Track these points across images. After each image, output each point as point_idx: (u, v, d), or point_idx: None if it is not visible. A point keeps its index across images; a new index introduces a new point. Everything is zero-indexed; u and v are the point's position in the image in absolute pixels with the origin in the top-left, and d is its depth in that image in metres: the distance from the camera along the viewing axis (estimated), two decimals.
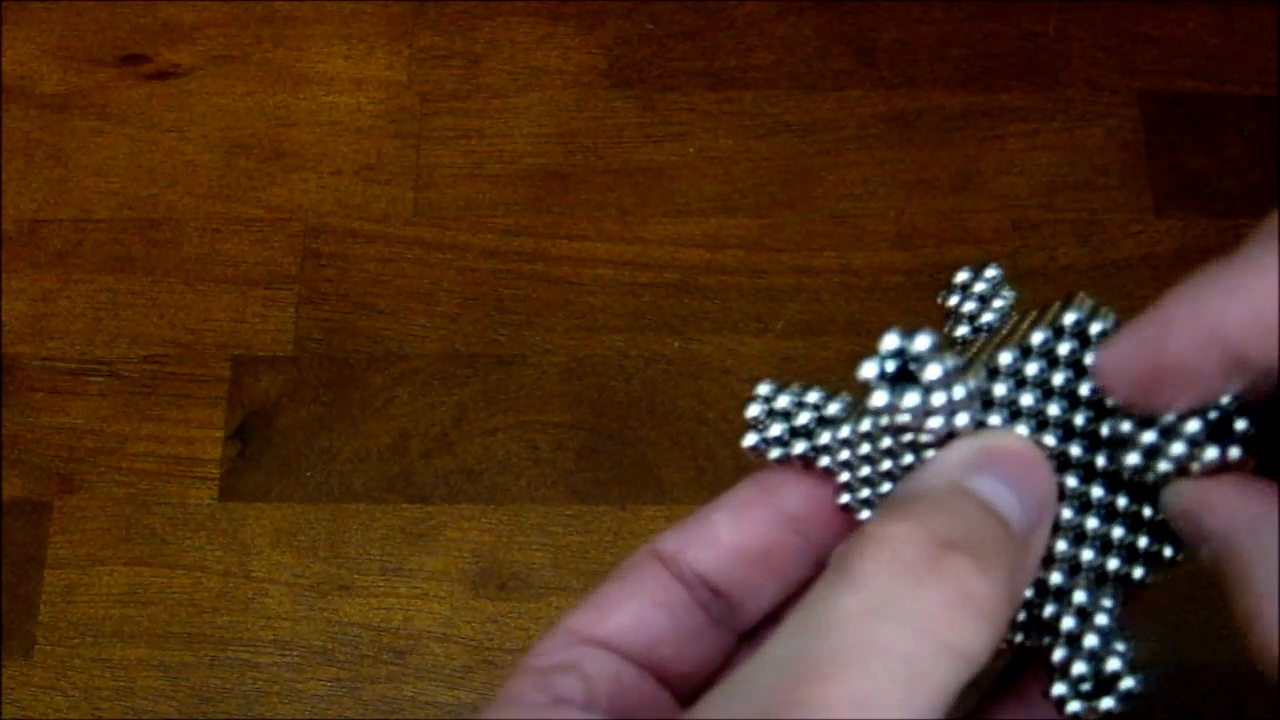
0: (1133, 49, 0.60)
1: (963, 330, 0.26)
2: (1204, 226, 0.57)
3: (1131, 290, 0.56)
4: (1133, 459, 0.22)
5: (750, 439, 0.25)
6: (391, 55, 0.61)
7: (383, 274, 0.57)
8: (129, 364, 0.56)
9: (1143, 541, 0.23)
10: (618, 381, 0.55)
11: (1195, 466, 0.21)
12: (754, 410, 0.25)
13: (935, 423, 0.21)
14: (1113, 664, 0.21)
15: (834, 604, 0.18)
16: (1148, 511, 0.23)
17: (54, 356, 0.56)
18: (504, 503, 0.53)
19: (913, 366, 0.21)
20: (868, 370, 0.21)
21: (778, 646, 0.19)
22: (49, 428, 0.55)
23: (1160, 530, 0.23)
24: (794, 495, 0.25)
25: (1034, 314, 0.25)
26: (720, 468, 0.54)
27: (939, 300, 0.26)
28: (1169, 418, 0.21)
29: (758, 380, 0.26)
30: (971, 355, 0.24)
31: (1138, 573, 0.23)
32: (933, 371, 0.20)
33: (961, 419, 0.21)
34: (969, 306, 0.26)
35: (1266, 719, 0.49)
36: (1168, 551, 0.23)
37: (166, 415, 0.55)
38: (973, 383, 0.21)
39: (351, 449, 0.54)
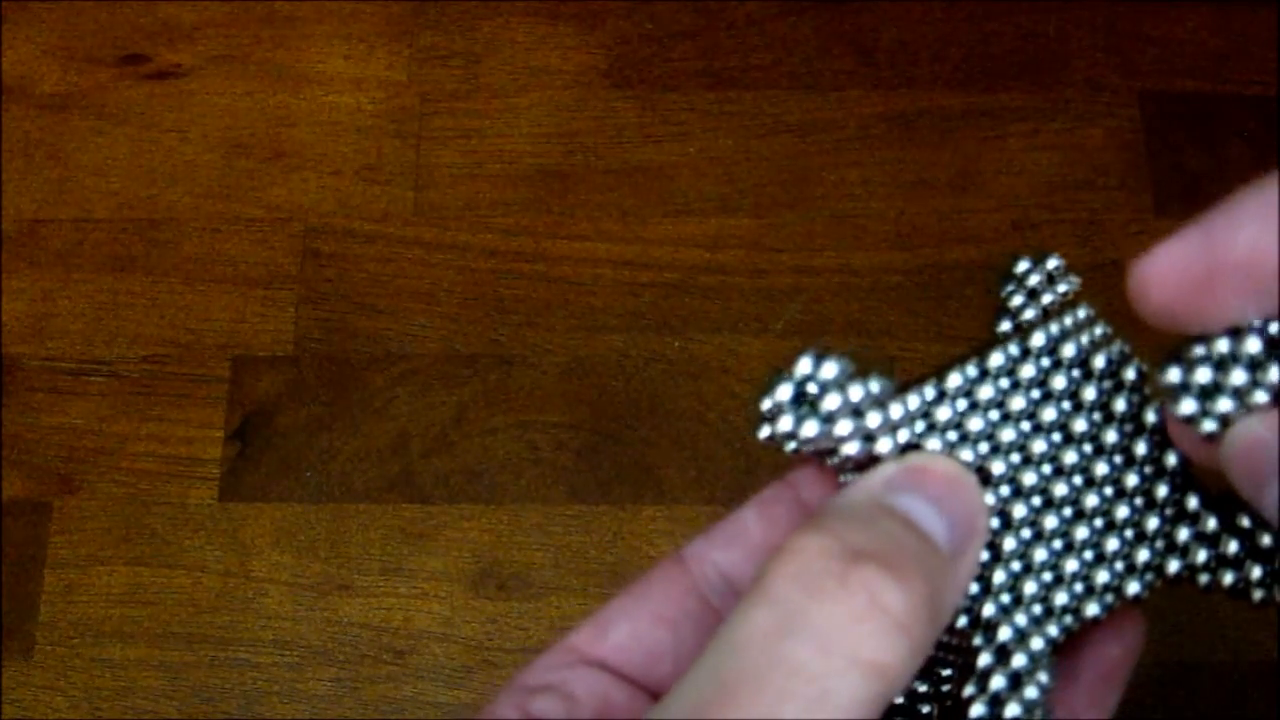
0: (1133, 49, 0.60)
1: (1004, 325, 0.25)
2: None
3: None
4: (1188, 407, 0.20)
5: (766, 431, 0.25)
6: (391, 55, 0.61)
7: (383, 274, 0.57)
8: (129, 364, 0.56)
9: (1102, 576, 0.22)
10: (618, 381, 0.55)
11: (1259, 396, 0.19)
12: (768, 403, 0.25)
13: (850, 448, 0.21)
14: (1012, 710, 0.20)
15: (745, 621, 0.18)
16: (1112, 544, 0.22)
17: (54, 356, 0.56)
18: (504, 503, 0.53)
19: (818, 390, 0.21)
20: (781, 393, 0.21)
21: (697, 668, 0.18)
22: (49, 428, 0.55)
23: (1127, 564, 0.22)
24: (818, 490, 0.24)
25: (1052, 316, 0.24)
26: (720, 468, 0.54)
27: (1000, 294, 0.25)
28: (1218, 348, 0.20)
29: (762, 378, 0.25)
30: (933, 371, 0.24)
31: (1092, 609, 0.22)
32: (831, 402, 0.20)
33: (884, 444, 0.21)
34: (1016, 300, 0.25)
35: (1266, 718, 0.49)
36: (1132, 588, 0.22)
37: (166, 415, 0.55)
38: (899, 408, 0.21)
39: (351, 449, 0.54)
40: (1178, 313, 0.19)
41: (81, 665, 0.52)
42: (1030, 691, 0.21)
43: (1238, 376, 0.20)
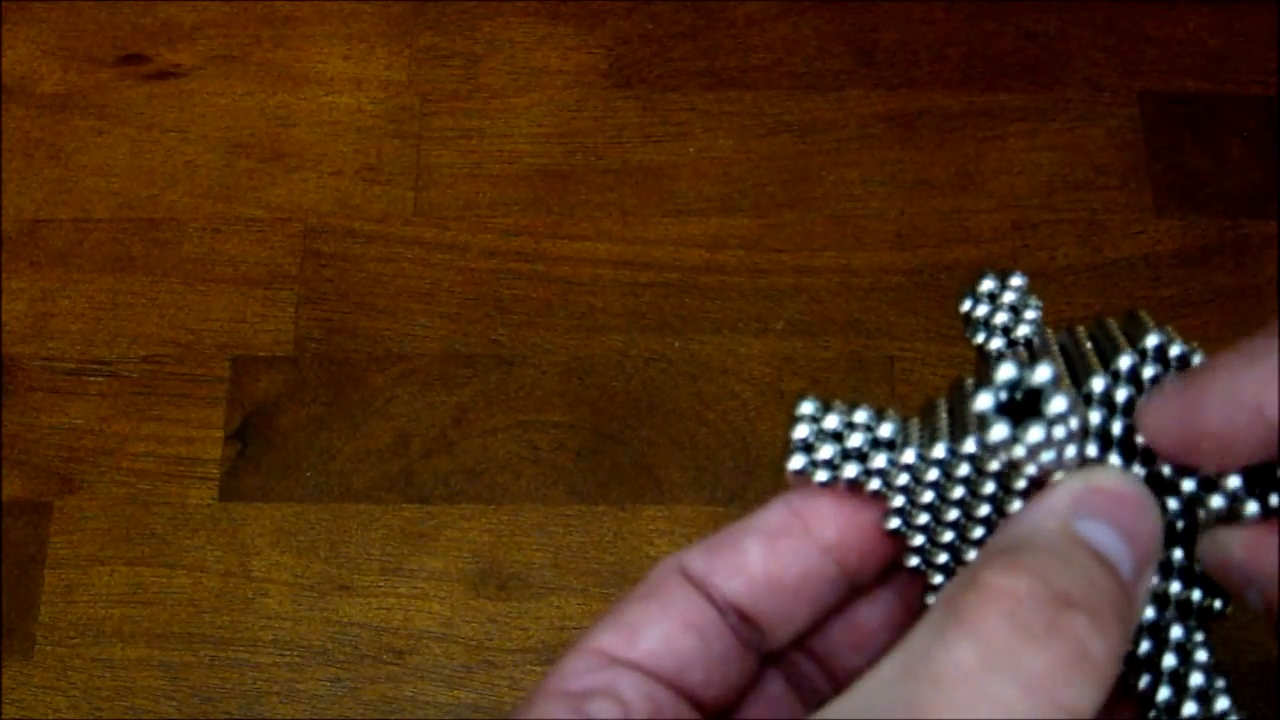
0: (1133, 49, 0.60)
1: (997, 343, 0.25)
2: (1204, 226, 0.57)
3: (1131, 290, 0.56)
4: (1172, 505, 0.22)
5: (798, 461, 0.24)
6: (391, 55, 0.61)
7: (383, 274, 0.57)
8: (129, 364, 0.56)
9: None
10: (618, 381, 0.55)
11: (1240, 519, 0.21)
12: (802, 431, 0.24)
13: (1048, 456, 0.20)
14: (1221, 704, 0.21)
15: (946, 654, 0.18)
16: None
17: (54, 356, 0.56)
18: (504, 503, 0.53)
19: (1020, 397, 0.20)
20: (983, 402, 0.20)
21: (882, 687, 0.19)
22: (49, 428, 0.55)
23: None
24: (831, 523, 0.24)
25: (1081, 330, 0.24)
26: (720, 468, 0.54)
27: (961, 308, 0.25)
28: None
29: (800, 399, 0.24)
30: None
31: (1218, 604, 0.22)
32: (1058, 404, 0.20)
33: (1070, 451, 0.20)
34: (1001, 318, 0.25)
35: (1266, 718, 0.49)
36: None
37: (166, 415, 0.55)
38: (1083, 414, 0.21)
39: (351, 449, 0.54)
40: (1179, 460, 0.22)
41: (81, 665, 0.52)
42: (1221, 682, 0.21)
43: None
